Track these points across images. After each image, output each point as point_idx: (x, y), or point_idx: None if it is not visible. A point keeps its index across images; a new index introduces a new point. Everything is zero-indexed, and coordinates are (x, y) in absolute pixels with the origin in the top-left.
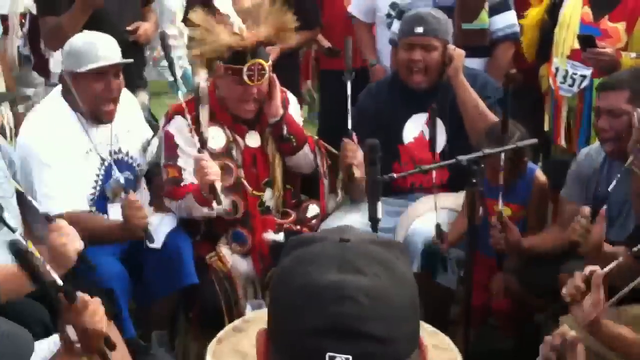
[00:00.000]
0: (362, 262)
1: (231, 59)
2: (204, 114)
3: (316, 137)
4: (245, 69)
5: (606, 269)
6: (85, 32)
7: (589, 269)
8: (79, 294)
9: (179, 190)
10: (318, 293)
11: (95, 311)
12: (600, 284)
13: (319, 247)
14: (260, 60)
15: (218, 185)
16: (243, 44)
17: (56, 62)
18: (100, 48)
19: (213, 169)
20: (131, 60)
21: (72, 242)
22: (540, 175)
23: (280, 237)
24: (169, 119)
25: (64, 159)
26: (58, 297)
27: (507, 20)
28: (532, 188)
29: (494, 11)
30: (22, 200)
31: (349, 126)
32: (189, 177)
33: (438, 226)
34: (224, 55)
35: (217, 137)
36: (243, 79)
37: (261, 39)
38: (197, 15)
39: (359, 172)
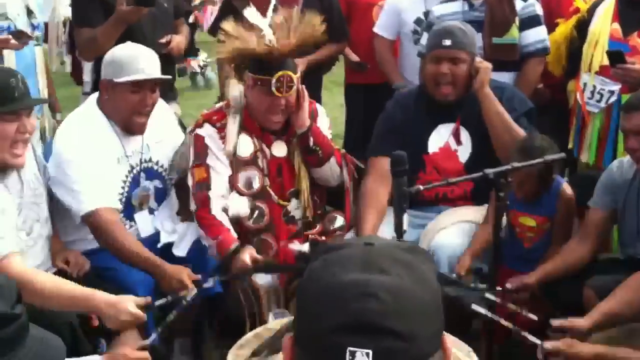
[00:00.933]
0: (386, 263)
1: (260, 69)
2: (234, 123)
3: (343, 151)
4: (273, 80)
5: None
6: (129, 43)
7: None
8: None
9: (207, 225)
10: (341, 291)
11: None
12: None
13: (344, 251)
14: (289, 72)
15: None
16: (272, 54)
17: (88, 71)
18: (141, 61)
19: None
20: (170, 77)
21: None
22: (567, 188)
23: (305, 247)
24: (198, 125)
25: (96, 163)
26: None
27: (537, 35)
28: (558, 201)
29: (525, 26)
30: (54, 206)
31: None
32: (215, 182)
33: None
34: (252, 63)
35: (244, 145)
36: (271, 90)
37: (290, 49)
38: (228, 24)
39: None
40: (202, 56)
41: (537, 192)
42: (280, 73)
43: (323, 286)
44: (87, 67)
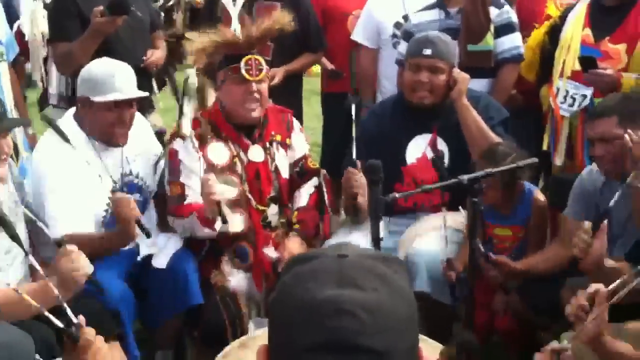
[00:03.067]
0: (360, 277)
1: (228, 60)
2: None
3: (324, 171)
4: (242, 63)
5: (611, 287)
6: (105, 59)
7: (593, 287)
8: (85, 331)
9: (183, 209)
10: (315, 308)
11: (97, 350)
12: (605, 302)
13: (317, 264)
14: (257, 56)
15: (224, 205)
16: (238, 43)
17: (52, 84)
18: (117, 79)
19: (218, 189)
20: (147, 93)
21: (82, 267)
22: (540, 196)
23: (275, 253)
24: (174, 136)
25: (74, 183)
26: (62, 336)
27: (512, 42)
28: (531, 209)
29: (500, 33)
30: (32, 224)
31: (354, 155)
32: (192, 194)
33: (449, 260)
34: (220, 62)
35: (219, 152)
36: (242, 75)
37: (256, 34)
38: (193, 34)
39: (363, 200)
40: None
41: (504, 199)
42: (248, 57)
43: (297, 302)
44: (52, 79)
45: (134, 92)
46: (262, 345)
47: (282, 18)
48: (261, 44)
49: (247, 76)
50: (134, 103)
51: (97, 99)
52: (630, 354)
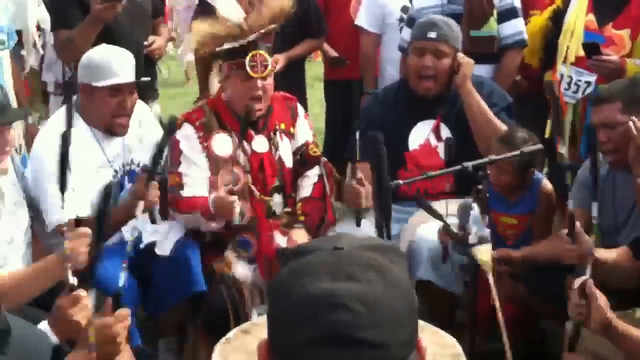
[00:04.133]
0: (356, 269)
1: (233, 54)
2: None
3: (324, 159)
4: (247, 59)
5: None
6: (104, 45)
7: (579, 281)
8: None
9: (182, 203)
10: (312, 303)
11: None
12: (594, 289)
13: (312, 258)
14: (262, 52)
15: (237, 208)
16: (243, 35)
17: (47, 71)
18: (116, 64)
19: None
20: (148, 79)
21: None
22: (547, 184)
23: (285, 242)
24: (178, 126)
25: (75, 174)
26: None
27: (515, 27)
28: (538, 197)
29: (503, 18)
30: (33, 210)
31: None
32: (190, 183)
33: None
34: (225, 52)
35: (223, 143)
36: (247, 72)
37: (260, 26)
38: (200, 22)
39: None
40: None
41: (515, 185)
42: (253, 52)
43: (293, 298)
44: (47, 66)
45: (133, 75)
46: (262, 340)
47: (284, 4)
48: (267, 36)
49: (252, 73)
50: (135, 90)
51: (98, 84)
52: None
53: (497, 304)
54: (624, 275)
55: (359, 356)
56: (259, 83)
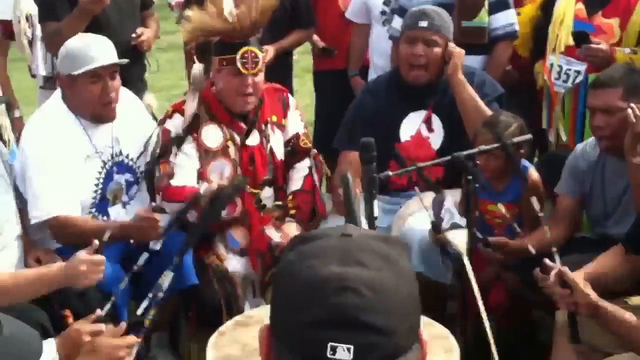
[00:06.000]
0: (365, 256)
1: (224, 49)
2: (194, 100)
3: (314, 151)
4: (238, 56)
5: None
6: (81, 34)
7: (554, 272)
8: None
9: (172, 192)
10: (320, 285)
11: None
12: (573, 275)
13: (321, 242)
14: (253, 48)
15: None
16: (234, 31)
17: (39, 65)
18: (94, 49)
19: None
20: (126, 60)
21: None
22: (533, 173)
23: (278, 237)
24: (168, 116)
25: (62, 165)
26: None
27: (506, 18)
28: (523, 185)
29: (494, 9)
30: (23, 204)
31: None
32: (180, 173)
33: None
34: (216, 46)
35: (213, 135)
36: (237, 68)
37: (251, 22)
38: (191, 11)
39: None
40: None
41: (504, 172)
42: (244, 49)
43: (301, 279)
44: (38, 60)
45: (112, 59)
46: (264, 325)
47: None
48: (256, 31)
49: (243, 70)
50: (116, 75)
51: (77, 72)
52: (632, 321)
53: (476, 289)
54: (616, 281)
55: (365, 340)
56: (250, 79)
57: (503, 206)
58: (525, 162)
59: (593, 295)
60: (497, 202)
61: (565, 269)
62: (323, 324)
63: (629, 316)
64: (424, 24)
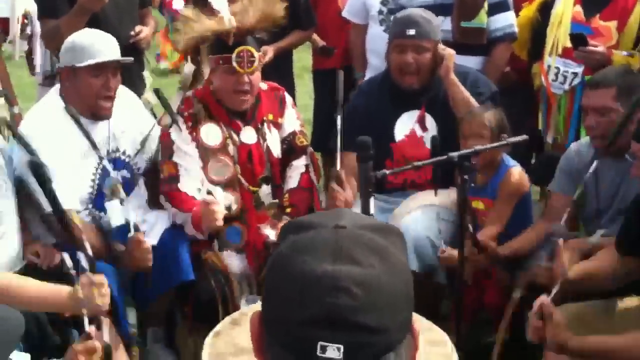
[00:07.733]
0: (357, 251)
1: (220, 48)
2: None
3: (310, 149)
4: (234, 55)
5: (552, 295)
6: (86, 29)
7: (537, 302)
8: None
9: (180, 200)
10: (312, 283)
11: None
12: (551, 310)
13: (313, 234)
14: (249, 47)
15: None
16: (227, 30)
17: (39, 62)
18: (99, 45)
19: (219, 213)
20: (131, 59)
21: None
22: (515, 172)
23: (274, 234)
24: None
25: (59, 160)
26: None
27: (506, 20)
28: (501, 182)
29: (493, 11)
30: (24, 201)
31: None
32: (184, 174)
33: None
34: (212, 45)
35: (212, 133)
36: (233, 67)
37: (247, 26)
38: (188, 10)
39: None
40: None
41: (490, 164)
42: (240, 48)
43: (293, 275)
44: (38, 57)
45: (117, 56)
46: (256, 312)
47: (276, 4)
48: (253, 34)
49: (238, 69)
50: (118, 72)
51: (81, 64)
52: (608, 342)
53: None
54: (609, 278)
55: (356, 339)
56: (246, 78)
57: (481, 202)
58: (510, 160)
59: (563, 335)
60: (478, 198)
61: (547, 301)
62: (314, 323)
63: (596, 342)
64: (412, 32)
